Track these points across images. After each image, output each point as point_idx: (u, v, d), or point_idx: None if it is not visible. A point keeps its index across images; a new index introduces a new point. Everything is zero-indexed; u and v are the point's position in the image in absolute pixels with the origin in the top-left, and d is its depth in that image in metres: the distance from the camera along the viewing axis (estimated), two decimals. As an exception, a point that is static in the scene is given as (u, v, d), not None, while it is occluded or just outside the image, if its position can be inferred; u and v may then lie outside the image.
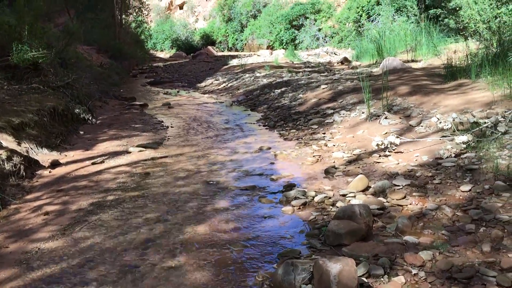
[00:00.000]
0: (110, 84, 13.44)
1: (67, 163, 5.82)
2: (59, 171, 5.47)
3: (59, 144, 6.53)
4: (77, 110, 8.11)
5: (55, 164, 5.66)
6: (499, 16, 8.20)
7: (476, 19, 8.50)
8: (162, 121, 8.78)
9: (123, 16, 23.56)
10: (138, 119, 9.05)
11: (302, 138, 6.70)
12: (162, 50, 37.60)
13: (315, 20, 25.30)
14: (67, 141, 6.88)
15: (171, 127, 8.24)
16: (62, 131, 6.95)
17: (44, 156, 5.88)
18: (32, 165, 5.38)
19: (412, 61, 11.50)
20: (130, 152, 6.32)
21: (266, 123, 8.21)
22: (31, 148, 5.81)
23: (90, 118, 8.34)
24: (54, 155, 6.02)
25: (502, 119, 4.72)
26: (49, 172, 5.42)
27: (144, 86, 15.78)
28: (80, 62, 12.15)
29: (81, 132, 7.57)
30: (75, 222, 3.96)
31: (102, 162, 5.83)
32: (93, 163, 5.77)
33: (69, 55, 10.99)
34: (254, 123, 8.37)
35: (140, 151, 6.37)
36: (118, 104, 11.00)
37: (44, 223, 3.96)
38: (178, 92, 13.89)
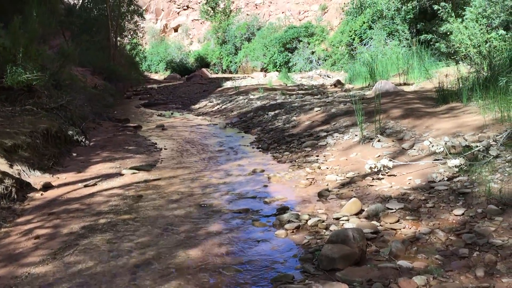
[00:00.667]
0: (104, 105, 13.45)
1: (59, 185, 5.78)
2: (51, 194, 5.43)
3: (52, 166, 6.49)
4: (71, 132, 8.09)
5: (47, 187, 5.61)
6: (489, 41, 8.33)
7: (467, 44, 8.64)
8: (156, 143, 8.77)
9: (118, 38, 23.75)
10: (131, 141, 9.04)
11: (295, 161, 6.71)
12: (156, 72, 37.82)
13: (309, 43, 25.60)
14: (60, 163, 6.85)
15: (165, 149, 8.23)
16: (55, 153, 6.92)
17: (36, 178, 5.84)
18: (24, 187, 5.34)
19: (405, 84, 11.62)
20: (123, 175, 6.29)
21: (260, 146, 8.22)
22: (23, 171, 5.77)
23: (83, 140, 8.31)
24: (46, 178, 5.99)
25: (493, 142, 4.76)
26: (41, 194, 5.38)
27: (138, 108, 15.81)
28: (75, 83, 12.17)
29: (74, 154, 7.53)
30: (66, 246, 3.92)
31: (95, 184, 5.80)
32: (85, 186, 5.74)
33: (64, 77, 11.01)
34: (247, 145, 8.38)
35: (133, 173, 6.34)
36: (112, 125, 10.99)
37: (34, 247, 3.91)
38: (172, 114, 13.92)
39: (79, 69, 15.90)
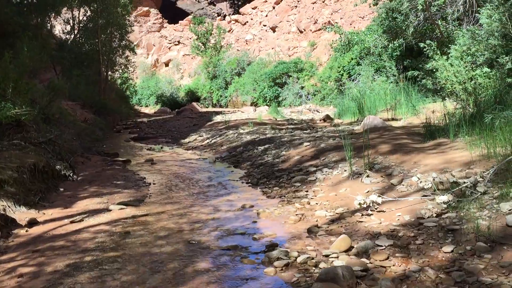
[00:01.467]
0: (93, 139, 13.42)
1: (45, 221, 5.69)
2: (36, 230, 5.34)
3: (38, 201, 6.41)
4: (58, 166, 8.03)
5: (32, 223, 5.52)
6: (474, 78, 8.51)
7: (452, 81, 8.81)
8: (145, 178, 8.72)
9: (109, 72, 23.93)
10: (120, 175, 8.97)
11: (285, 196, 6.69)
12: (147, 106, 37.95)
13: (298, 78, 25.93)
14: (47, 198, 6.76)
15: (154, 184, 8.18)
16: (41, 188, 6.84)
17: (21, 214, 5.75)
18: (8, 224, 5.25)
19: (392, 119, 11.76)
20: (110, 210, 6.21)
21: (249, 180, 8.20)
22: (9, 206, 5.69)
23: (71, 175, 8.24)
24: (32, 213, 5.90)
25: (481, 179, 4.80)
26: (26, 231, 5.28)
27: (128, 142, 15.77)
28: (64, 117, 12.17)
29: (61, 189, 7.45)
30: (50, 285, 3.82)
31: (81, 220, 5.71)
32: (71, 222, 5.65)
33: (53, 111, 11.02)
34: (237, 180, 8.36)
35: (121, 209, 6.27)
36: (100, 160, 10.92)
37: (17, 286, 3.81)
38: (161, 148, 13.90)
39: (69, 103, 15.93)
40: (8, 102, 7.71)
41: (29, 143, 8.03)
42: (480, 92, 8.26)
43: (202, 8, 65.71)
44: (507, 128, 5.60)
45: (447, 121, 7.81)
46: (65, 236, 5.14)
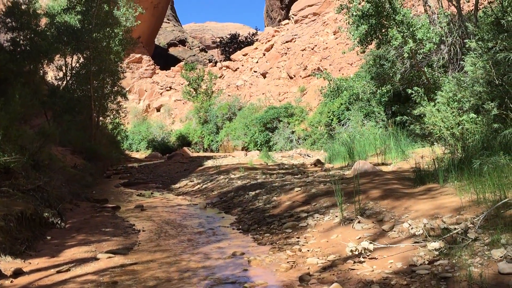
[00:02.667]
0: (82, 185, 13.29)
1: (31, 271, 5.55)
2: (21, 281, 5.20)
3: (24, 250, 6.27)
4: (46, 214, 7.91)
5: (18, 273, 5.38)
6: (462, 124, 8.65)
7: (440, 126, 8.94)
8: (134, 225, 8.60)
9: (101, 118, 24.02)
10: (109, 222, 8.84)
11: (276, 243, 6.61)
12: (137, 151, 37.91)
13: (289, 123, 26.20)
14: (33, 247, 6.62)
15: (143, 231, 8.06)
16: (28, 237, 6.71)
17: (6, 264, 5.61)
18: (-8, 274, 5.11)
19: (382, 164, 11.83)
20: (98, 259, 6.08)
21: (240, 227, 8.12)
22: (-6, 256, 5.55)
23: (59, 222, 8.11)
24: (18, 263, 5.75)
25: (471, 225, 4.79)
26: (11, 282, 5.14)
27: (118, 187, 15.64)
28: (54, 163, 12.09)
29: (49, 237, 7.31)
30: None
31: (68, 270, 5.58)
32: (58, 272, 5.52)
33: (43, 157, 10.95)
34: (228, 227, 8.27)
35: (109, 257, 6.15)
36: (89, 206, 10.80)
37: None
38: (152, 193, 13.79)
39: (59, 148, 15.88)
40: (-3, 149, 7.67)
41: (18, 190, 7.94)
42: (467, 137, 8.37)
43: (194, 55, 67.02)
44: (495, 174, 5.66)
45: (436, 166, 7.87)
46: (50, 287, 5.01)
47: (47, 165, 11.13)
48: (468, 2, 12.94)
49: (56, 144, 15.21)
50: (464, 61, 9.60)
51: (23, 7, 22.20)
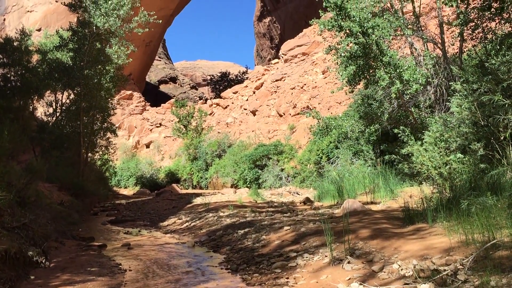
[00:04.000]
0: (69, 223, 13.09)
1: (13, 313, 5.39)
2: (2, 323, 5.04)
3: (7, 291, 6.11)
4: (31, 252, 7.75)
5: (-2, 315, 5.23)
6: (449, 163, 8.75)
7: (428, 165, 9.04)
8: (120, 264, 8.43)
9: (89, 154, 23.90)
10: (94, 261, 8.67)
11: (265, 283, 6.52)
12: (126, 187, 37.58)
13: (278, 161, 26.25)
14: (16, 287, 6.45)
15: (130, 270, 7.91)
16: (11, 277, 6.55)
17: (-13, 305, 5.45)
18: (-28, 316, 4.95)
19: (372, 203, 11.85)
20: (83, 300, 5.94)
21: (229, 266, 8.00)
22: (-25, 297, 5.40)
23: (43, 261, 7.94)
24: (-1, 304, 5.59)
25: (461, 266, 4.79)
26: (-9, 324, 4.98)
27: (105, 225, 15.41)
28: (40, 200, 11.93)
29: (32, 277, 7.13)
30: None
31: (52, 312, 5.43)
32: (41, 313, 5.37)
33: (29, 194, 10.80)
34: (216, 266, 8.15)
35: (94, 298, 6.00)
36: (75, 244, 10.60)
37: None
38: (139, 231, 13.60)
39: (46, 185, 15.70)
40: (-17, 187, 7.56)
41: (2, 228, 7.79)
42: (455, 177, 8.46)
43: (185, 92, 67.63)
44: (483, 214, 5.70)
45: (425, 205, 7.90)
46: (32, 329, 4.86)
47: (33, 202, 10.97)
48: (453, 45, 13.32)
49: (44, 180, 15.05)
50: (450, 102, 9.82)
51: (15, 43, 22.42)
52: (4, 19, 43.56)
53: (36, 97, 22.54)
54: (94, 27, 21.74)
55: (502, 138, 8.24)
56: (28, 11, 42.45)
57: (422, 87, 12.34)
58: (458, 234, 5.80)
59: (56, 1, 39.84)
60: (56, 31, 23.95)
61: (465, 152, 8.85)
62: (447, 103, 11.45)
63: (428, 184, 9.64)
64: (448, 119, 9.68)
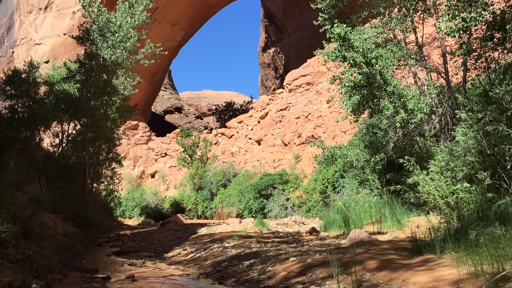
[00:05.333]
0: (73, 254, 13.00)
1: None
2: None
3: (9, 325, 6.02)
4: (34, 285, 7.66)
5: None
6: (456, 193, 8.67)
7: (434, 195, 8.96)
8: (124, 297, 8.33)
9: (94, 184, 23.91)
10: (98, 294, 8.57)
11: (271, 317, 6.40)
12: (131, 217, 37.42)
13: (283, 190, 26.14)
14: (18, 321, 6.36)
15: (134, 303, 7.80)
16: (14, 310, 6.47)
17: None
18: None
19: (378, 233, 11.71)
20: (86, 334, 5.84)
21: (234, 299, 7.88)
22: (-23, 331, 5.32)
23: (47, 294, 7.85)
24: None
25: (471, 299, 4.69)
26: None
27: (109, 256, 15.29)
28: (45, 231, 11.87)
29: (35, 310, 7.05)
30: None
31: None
32: None
33: (34, 225, 10.77)
34: (221, 299, 8.03)
35: (97, 333, 5.90)
36: (79, 277, 10.48)
37: None
38: (143, 263, 13.47)
39: (51, 215, 15.67)
40: (-11, 219, 7.56)
41: (6, 260, 7.74)
42: (462, 207, 8.37)
43: (190, 122, 68.09)
44: (492, 245, 5.61)
45: (433, 236, 7.80)
46: None
47: (37, 233, 10.92)
48: (457, 74, 13.40)
49: (48, 211, 15.03)
50: (455, 131, 9.81)
51: (23, 75, 22.77)
52: (13, 52, 44.38)
53: (42, 128, 22.73)
54: (101, 59, 22.07)
55: (508, 167, 8.19)
56: (37, 44, 43.25)
57: (426, 116, 12.36)
58: (467, 266, 5.71)
59: (64, 34, 40.65)
60: (64, 63, 24.33)
61: (472, 181, 8.78)
62: (452, 132, 11.44)
63: (435, 213, 9.54)
64: (453, 148, 9.65)
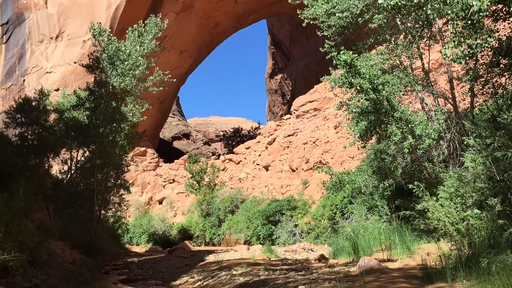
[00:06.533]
0: (80, 283, 12.93)
1: None
2: None
3: None
4: (41, 314, 7.62)
5: None
6: (466, 219, 8.58)
7: (444, 221, 8.86)
8: (131, 326, 8.23)
9: (102, 211, 23.91)
10: (105, 323, 8.48)
11: None
12: (138, 244, 37.20)
13: (291, 216, 25.95)
14: None
15: (140, 333, 7.70)
16: None
17: None
18: None
19: (388, 260, 11.55)
20: None
21: (242, 329, 7.76)
22: None
23: (53, 323, 7.79)
24: None
25: (484, 330, 4.59)
26: None
27: (116, 284, 15.15)
28: (52, 259, 11.85)
29: None
30: None
31: None
32: None
33: (41, 253, 10.76)
34: (229, 329, 7.91)
35: None
36: (86, 305, 10.41)
37: None
38: (151, 291, 13.34)
39: (59, 243, 15.65)
40: (-3, 247, 7.57)
41: (13, 289, 7.71)
42: (473, 233, 8.27)
43: (197, 148, 68.34)
44: (504, 273, 5.51)
45: (444, 263, 7.69)
46: None
47: (45, 261, 10.90)
48: (464, 100, 13.41)
49: (56, 238, 15.01)
50: (464, 156, 9.76)
51: (33, 103, 23.10)
52: (24, 80, 45.09)
53: (52, 155, 22.90)
54: (111, 87, 22.35)
55: (519, 193, 8.10)
56: (47, 72, 43.96)
57: (435, 142, 12.33)
58: (480, 295, 5.60)
59: (75, 63, 41.33)
60: (74, 91, 24.65)
61: (482, 208, 8.69)
62: (461, 157, 11.38)
63: (445, 240, 9.42)
64: (463, 174, 9.59)
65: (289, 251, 20.12)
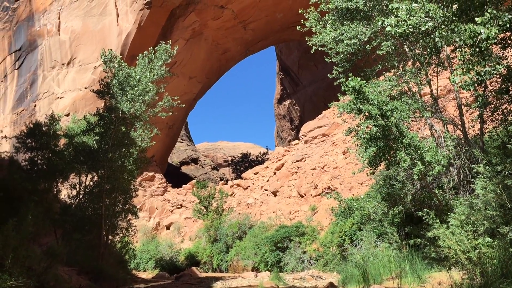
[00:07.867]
0: (86, 309, 12.80)
1: None
2: None
3: None
4: None
5: None
6: (478, 247, 8.44)
7: (455, 249, 8.72)
8: None
9: (110, 236, 23.82)
10: None
11: None
12: (145, 270, 36.89)
13: (300, 243, 25.67)
14: None
15: None
16: None
17: None
18: None
19: (399, 289, 11.35)
20: None
21: None
22: None
23: None
24: None
25: None
26: None
27: (122, 311, 15.01)
28: (59, 285, 11.77)
29: None
30: None
31: None
32: None
33: (48, 279, 10.70)
34: None
35: None
36: (91, 333, 10.28)
37: None
38: (157, 318, 13.17)
39: (66, 268, 15.57)
40: (5, 273, 7.54)
41: (19, 316, 7.65)
42: (485, 262, 8.12)
43: (206, 173, 68.37)
44: (519, 305, 5.39)
45: (456, 294, 7.54)
46: None
47: (52, 287, 10.83)
48: (473, 127, 13.35)
49: (63, 263, 14.95)
50: (474, 183, 9.66)
51: (44, 128, 23.33)
52: (35, 105, 45.69)
53: (61, 180, 22.99)
54: (120, 112, 22.55)
55: (531, 221, 7.98)
56: (58, 98, 44.53)
57: (444, 168, 12.24)
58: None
59: (85, 88, 41.88)
60: (84, 116, 24.88)
61: (494, 236, 8.56)
62: (471, 184, 11.26)
63: (457, 269, 9.24)
64: (473, 201, 9.48)
65: (297, 279, 19.83)
